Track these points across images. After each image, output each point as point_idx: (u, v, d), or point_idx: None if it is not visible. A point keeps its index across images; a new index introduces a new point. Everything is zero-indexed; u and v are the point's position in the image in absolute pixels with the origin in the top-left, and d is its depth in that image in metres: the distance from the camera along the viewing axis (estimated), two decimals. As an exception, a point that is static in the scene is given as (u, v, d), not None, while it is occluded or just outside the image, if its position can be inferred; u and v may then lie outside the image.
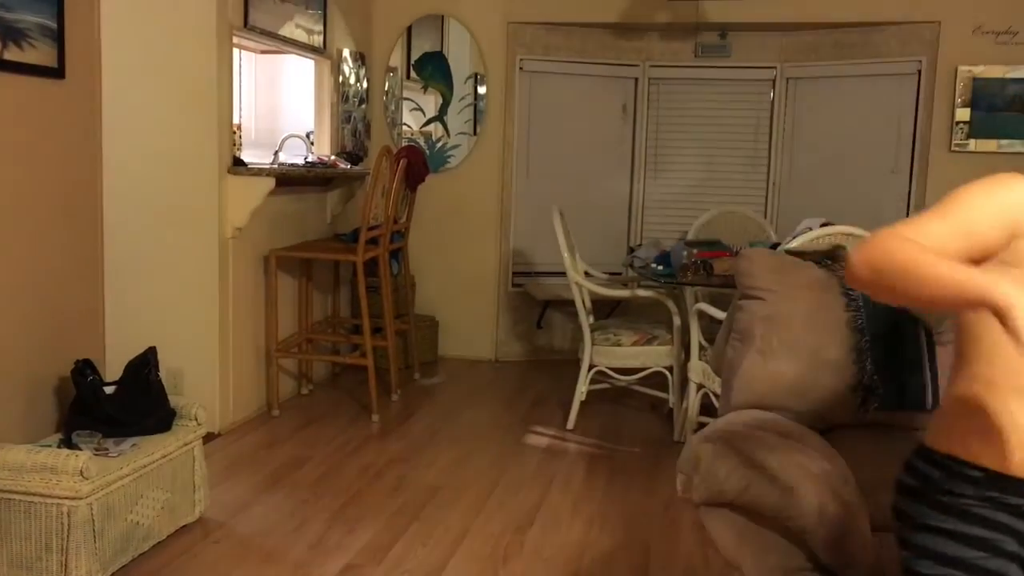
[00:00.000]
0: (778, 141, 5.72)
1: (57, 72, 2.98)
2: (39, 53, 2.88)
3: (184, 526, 3.03)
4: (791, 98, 5.67)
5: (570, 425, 4.36)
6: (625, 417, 4.63)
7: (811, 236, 3.47)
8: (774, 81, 5.68)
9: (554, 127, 5.76)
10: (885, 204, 5.38)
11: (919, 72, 5.25)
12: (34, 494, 2.55)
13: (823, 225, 3.66)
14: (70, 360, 2.95)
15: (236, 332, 4.07)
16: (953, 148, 5.16)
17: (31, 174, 2.88)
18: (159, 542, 2.89)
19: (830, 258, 2.27)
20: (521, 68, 5.63)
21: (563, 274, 4.40)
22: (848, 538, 1.71)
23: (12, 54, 2.76)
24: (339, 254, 4.46)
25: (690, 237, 5.18)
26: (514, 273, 5.80)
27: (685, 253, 4.10)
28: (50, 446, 2.73)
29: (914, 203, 5.29)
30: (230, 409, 4.08)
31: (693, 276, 3.98)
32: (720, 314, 3.69)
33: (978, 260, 1.33)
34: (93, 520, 2.57)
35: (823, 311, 2.10)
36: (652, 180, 5.89)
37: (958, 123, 5.15)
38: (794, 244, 3.34)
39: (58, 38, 2.97)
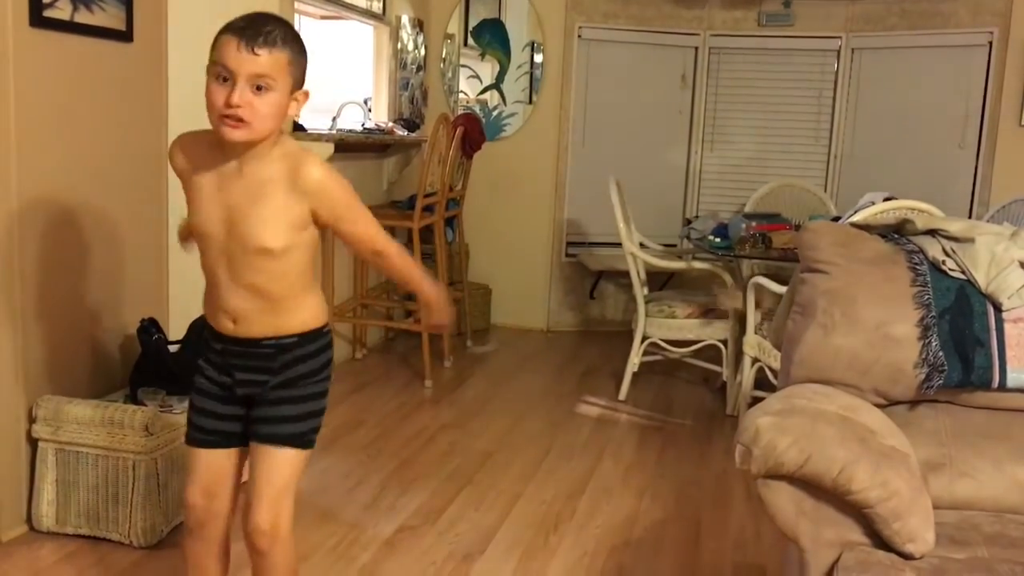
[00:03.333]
0: (841, 113, 5.60)
1: (125, 35, 3.01)
2: (108, 16, 2.92)
3: (243, 483, 3.09)
4: (856, 69, 5.54)
5: (622, 396, 4.36)
6: (677, 389, 4.61)
7: (875, 210, 3.40)
8: (839, 52, 5.55)
9: (611, 96, 5.71)
10: (951, 179, 5.25)
11: (990, 44, 5.09)
12: (101, 447, 2.63)
13: (886, 199, 3.59)
14: (135, 318, 3.02)
15: (294, 295, 4.12)
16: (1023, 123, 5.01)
17: (101, 135, 2.94)
18: (219, 498, 2.96)
19: (897, 231, 2.22)
20: (579, 36, 5.58)
21: (617, 244, 4.37)
22: (909, 515, 1.69)
23: (83, 16, 2.80)
24: (395, 220, 4.49)
25: (748, 210, 5.12)
26: (568, 243, 5.79)
27: (744, 226, 4.06)
28: (116, 402, 2.80)
29: (981, 179, 5.16)
30: (287, 371, 4.14)
31: (751, 249, 3.94)
32: (778, 288, 3.65)
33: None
34: (158, 474, 2.64)
35: (888, 285, 2.06)
36: (710, 151, 5.82)
37: (1030, 97, 4.99)
38: (857, 218, 3.28)
39: (126, 1, 3.01)
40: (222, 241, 1.76)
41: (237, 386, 1.88)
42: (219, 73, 1.64)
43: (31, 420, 2.68)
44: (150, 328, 2.97)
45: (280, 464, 1.87)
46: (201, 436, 1.92)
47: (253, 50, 1.62)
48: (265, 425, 1.87)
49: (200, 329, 3.02)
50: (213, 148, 1.74)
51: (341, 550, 2.70)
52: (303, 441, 1.90)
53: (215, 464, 1.92)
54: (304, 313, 1.89)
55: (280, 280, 1.81)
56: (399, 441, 3.65)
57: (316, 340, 1.92)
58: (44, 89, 2.69)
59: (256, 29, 1.64)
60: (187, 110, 3.62)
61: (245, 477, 1.96)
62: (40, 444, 2.68)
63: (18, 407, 2.67)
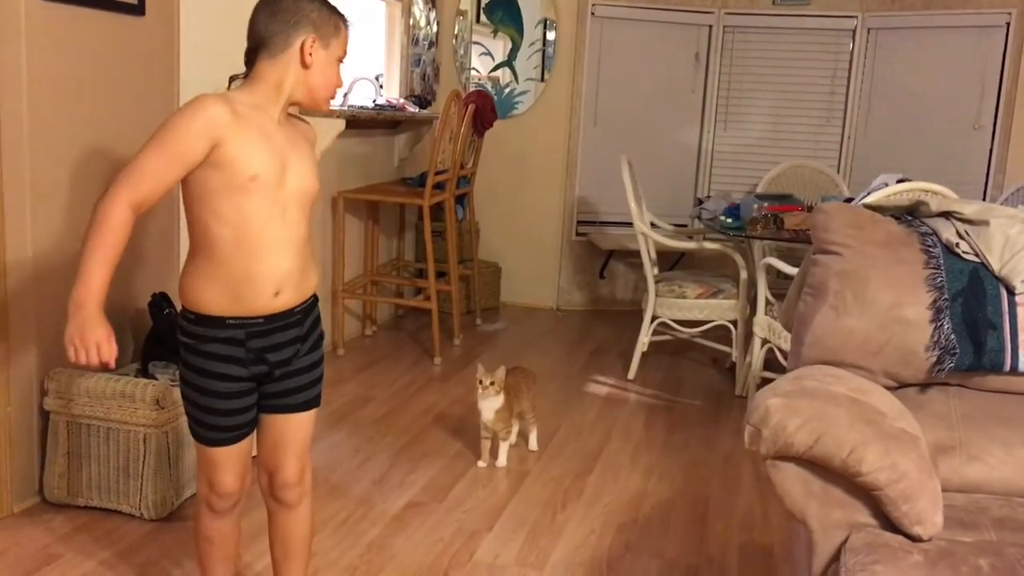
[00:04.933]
0: (855, 94, 5.55)
1: (137, 9, 3.01)
2: (119, -10, 2.91)
3: (253, 458, 3.11)
4: (871, 49, 5.49)
5: (631, 375, 4.36)
6: (686, 369, 4.61)
7: (888, 192, 3.38)
8: (854, 31, 5.49)
9: (624, 75, 5.67)
10: (966, 161, 5.21)
11: (1008, 24, 5.04)
12: (113, 420, 2.65)
13: (900, 181, 3.56)
14: (147, 292, 3.03)
15: (304, 272, 4.13)
16: (1041, 105, 4.97)
17: (113, 109, 2.93)
18: (229, 472, 2.97)
19: (911, 213, 2.21)
20: (593, 13, 5.54)
21: (628, 224, 4.36)
22: (918, 497, 1.69)
23: (94, -10, 2.79)
24: (406, 197, 4.49)
25: (760, 190, 5.10)
26: (578, 222, 5.77)
27: (755, 206, 4.04)
28: (128, 375, 2.82)
29: (996, 161, 5.11)
30: (297, 347, 4.15)
31: (763, 230, 3.92)
32: (789, 269, 3.64)
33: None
34: (168, 447, 2.66)
35: (901, 267, 2.05)
36: (722, 131, 5.78)
37: (1047, 79, 4.94)
38: (870, 199, 3.26)
39: (138, -25, 3.00)
40: (276, 188, 1.77)
41: (276, 368, 1.86)
42: (340, 58, 1.88)
43: (43, 393, 2.70)
44: (161, 303, 2.98)
45: (304, 424, 1.97)
46: (232, 435, 1.90)
47: None
48: (292, 396, 1.92)
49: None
50: (253, 108, 1.81)
51: (350, 525, 2.72)
52: (320, 400, 2.00)
53: (245, 450, 1.95)
54: (315, 270, 1.95)
55: (307, 233, 1.88)
56: (408, 418, 3.66)
57: (317, 300, 1.98)
58: (56, 63, 2.69)
59: None
60: (199, 84, 3.61)
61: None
62: (52, 416, 2.70)
63: (30, 380, 2.69)
